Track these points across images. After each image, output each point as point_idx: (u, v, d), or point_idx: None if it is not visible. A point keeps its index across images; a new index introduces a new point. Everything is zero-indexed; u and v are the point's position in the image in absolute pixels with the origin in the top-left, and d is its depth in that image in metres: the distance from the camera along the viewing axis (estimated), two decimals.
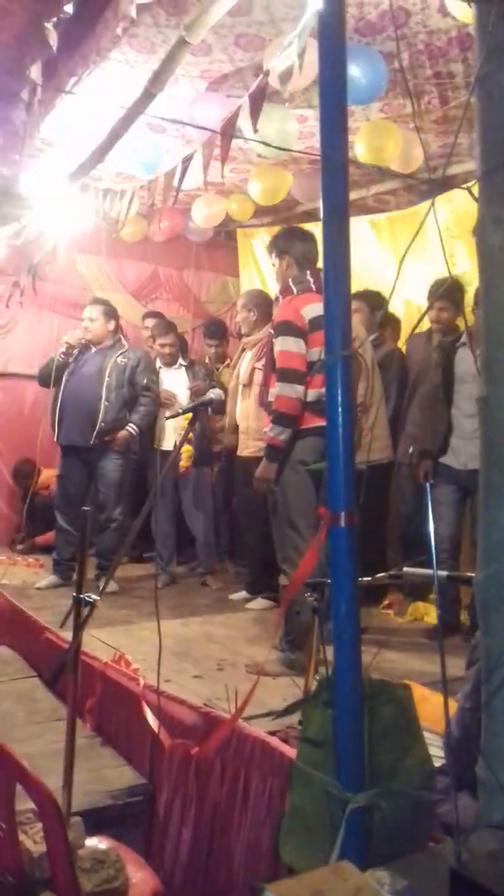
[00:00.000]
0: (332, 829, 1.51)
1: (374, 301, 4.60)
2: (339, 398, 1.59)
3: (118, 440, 5.14)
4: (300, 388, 3.56)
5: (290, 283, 3.75)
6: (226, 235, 6.93)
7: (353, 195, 5.50)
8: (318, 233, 6.02)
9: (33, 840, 2.20)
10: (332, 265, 1.59)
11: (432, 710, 2.05)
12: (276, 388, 3.63)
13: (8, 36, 3.64)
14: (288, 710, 1.72)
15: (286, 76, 2.72)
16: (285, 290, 3.79)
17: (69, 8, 2.95)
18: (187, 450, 5.12)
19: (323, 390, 3.61)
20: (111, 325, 5.27)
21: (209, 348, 6.00)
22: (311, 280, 3.70)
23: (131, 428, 5.17)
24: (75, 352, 5.17)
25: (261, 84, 2.79)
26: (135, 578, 5.31)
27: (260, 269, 6.78)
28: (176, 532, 5.48)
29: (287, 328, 3.61)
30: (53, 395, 5.24)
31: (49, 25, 3.15)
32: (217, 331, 6.15)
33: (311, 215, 6.04)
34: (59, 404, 5.14)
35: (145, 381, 5.19)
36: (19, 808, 2.13)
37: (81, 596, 2.36)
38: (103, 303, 5.39)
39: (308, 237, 3.90)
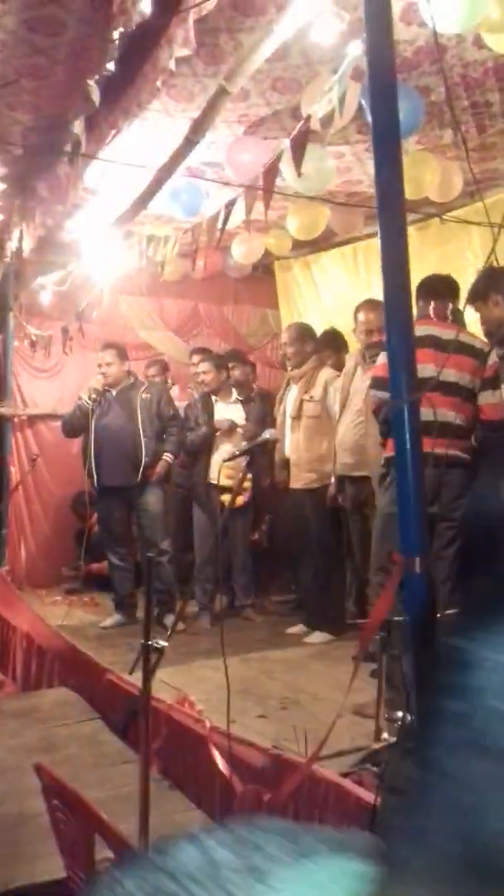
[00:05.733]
0: None
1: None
2: (409, 442, 1.59)
3: (157, 472, 5.24)
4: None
5: None
6: (263, 269, 6.98)
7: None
8: (345, 258, 6.10)
9: None
10: (393, 310, 1.60)
11: None
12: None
13: (50, 94, 3.77)
14: (373, 756, 1.70)
15: (327, 120, 2.76)
16: None
17: (111, 66, 3.02)
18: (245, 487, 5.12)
19: (426, 411, 3.61)
20: (126, 366, 5.40)
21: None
22: (432, 310, 3.78)
23: (168, 457, 5.28)
24: (99, 398, 5.29)
25: (302, 129, 2.84)
26: (186, 615, 5.30)
27: (297, 299, 6.84)
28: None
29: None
30: (85, 442, 5.33)
31: (91, 82, 3.24)
32: (232, 355, 6.15)
33: (346, 243, 6.09)
34: (93, 450, 5.22)
35: (171, 412, 5.34)
36: (97, 858, 2.14)
37: (150, 642, 2.38)
38: (114, 345, 5.49)
39: (434, 277, 3.98)
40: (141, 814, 2.38)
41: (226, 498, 5.05)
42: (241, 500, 5.12)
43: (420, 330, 3.54)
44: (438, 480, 3.29)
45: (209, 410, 5.37)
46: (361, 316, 4.40)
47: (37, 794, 2.77)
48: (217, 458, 5.24)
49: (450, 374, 3.60)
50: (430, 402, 3.49)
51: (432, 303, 3.76)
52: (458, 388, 3.61)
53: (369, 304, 4.45)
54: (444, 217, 4.22)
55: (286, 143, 3.19)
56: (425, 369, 3.47)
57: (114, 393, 5.30)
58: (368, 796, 2.26)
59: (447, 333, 3.66)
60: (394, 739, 2.60)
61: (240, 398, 5.48)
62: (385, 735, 2.72)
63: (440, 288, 3.88)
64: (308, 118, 2.83)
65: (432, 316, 3.71)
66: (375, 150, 1.62)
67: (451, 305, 3.83)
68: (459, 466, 3.57)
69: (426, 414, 3.46)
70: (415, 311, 3.90)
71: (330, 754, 2.63)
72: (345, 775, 2.52)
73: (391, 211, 1.60)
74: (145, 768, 2.39)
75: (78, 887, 2.19)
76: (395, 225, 1.61)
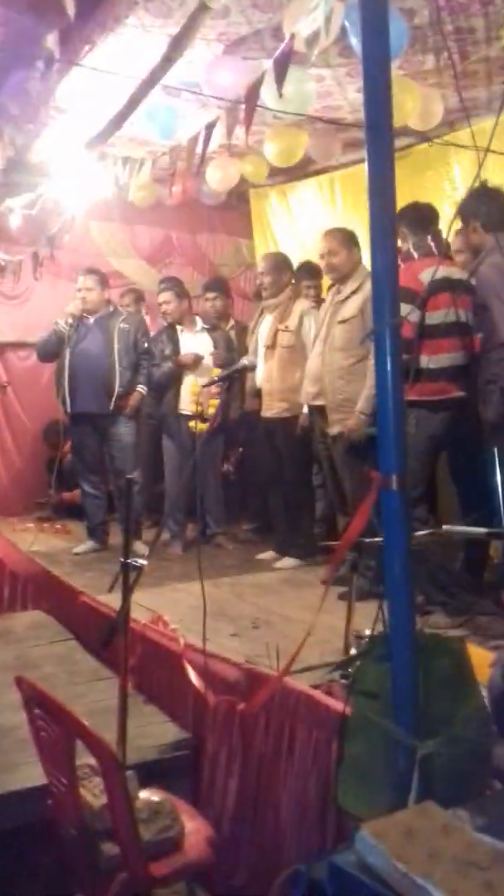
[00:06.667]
0: (390, 775, 1.60)
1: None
2: (389, 365, 1.63)
3: (130, 403, 5.25)
4: None
5: (411, 250, 3.75)
6: (238, 197, 6.87)
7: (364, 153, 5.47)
8: (322, 187, 6.01)
9: (92, 794, 2.31)
10: (378, 239, 1.63)
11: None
12: None
13: (22, 5, 3.63)
14: (345, 664, 1.80)
15: (313, 40, 2.71)
16: (406, 257, 3.78)
17: None
18: (212, 404, 5.15)
19: (455, 355, 3.55)
20: (106, 294, 5.37)
21: (206, 302, 5.97)
22: (433, 244, 3.71)
23: (141, 389, 5.30)
24: (76, 323, 5.25)
25: (286, 49, 2.79)
26: (153, 538, 5.37)
27: (273, 229, 6.77)
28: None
29: (402, 295, 3.59)
30: (59, 368, 5.31)
31: None
32: (214, 284, 6.12)
33: (323, 171, 6.02)
34: (67, 375, 5.20)
35: (146, 344, 5.33)
36: (76, 764, 2.23)
37: (129, 560, 2.44)
38: (96, 272, 5.43)
39: (420, 204, 3.91)
40: (119, 722, 2.48)
41: (200, 427, 5.07)
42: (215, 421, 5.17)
43: (432, 272, 3.50)
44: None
45: (174, 343, 5.34)
46: (321, 243, 4.38)
47: (14, 709, 2.86)
48: (186, 388, 5.26)
49: (462, 315, 3.60)
50: (458, 346, 3.55)
51: (429, 237, 3.71)
52: (469, 328, 3.60)
53: (325, 232, 4.43)
54: (433, 142, 4.17)
55: (266, 63, 3.13)
56: (450, 313, 3.53)
57: (91, 320, 5.25)
58: (338, 705, 2.38)
59: (457, 273, 3.64)
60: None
61: (206, 326, 5.46)
62: (353, 651, 2.84)
63: (433, 218, 3.84)
64: (292, 37, 2.77)
65: (436, 253, 3.67)
66: (365, 76, 1.61)
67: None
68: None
69: (457, 359, 3.55)
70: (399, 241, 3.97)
71: (300, 669, 2.75)
72: (315, 687, 2.64)
73: (379, 136, 1.60)
74: (124, 680, 2.48)
75: (58, 791, 2.29)
76: (383, 151, 1.61)
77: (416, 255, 3.72)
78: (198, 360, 5.25)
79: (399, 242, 3.73)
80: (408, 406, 3.51)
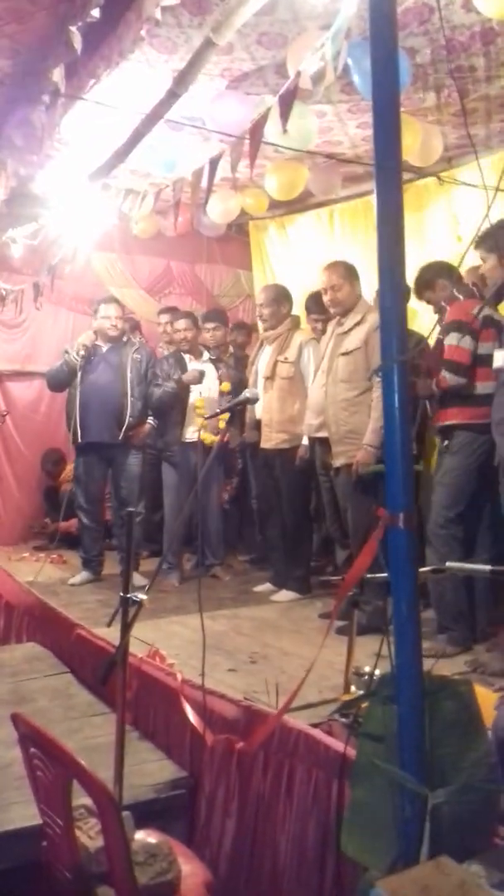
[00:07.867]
0: (395, 822, 1.56)
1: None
2: (396, 401, 1.62)
3: (141, 434, 5.25)
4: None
5: (455, 293, 3.91)
6: (237, 229, 6.92)
7: (363, 187, 5.53)
8: (321, 220, 6.07)
9: (88, 835, 2.25)
10: (387, 275, 1.62)
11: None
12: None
13: (29, 38, 3.66)
14: (349, 705, 1.76)
15: (318, 78, 2.74)
16: (451, 299, 3.93)
17: (95, 13, 2.94)
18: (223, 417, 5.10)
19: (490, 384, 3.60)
20: (125, 324, 5.40)
21: (206, 332, 5.97)
22: (474, 288, 3.89)
23: (152, 420, 5.29)
24: (88, 353, 5.24)
25: (291, 86, 2.81)
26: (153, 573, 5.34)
27: (271, 260, 6.81)
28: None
29: (457, 326, 3.74)
30: (70, 398, 5.30)
31: (73, 28, 3.16)
32: (213, 315, 6.12)
33: (322, 205, 6.07)
34: (78, 405, 5.18)
35: (157, 373, 5.33)
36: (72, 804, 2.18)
37: (129, 595, 2.41)
38: (116, 301, 5.47)
39: (448, 262, 4.13)
40: (116, 761, 2.43)
41: (206, 437, 5.01)
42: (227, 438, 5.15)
43: (484, 312, 3.69)
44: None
45: (182, 367, 5.31)
46: (323, 276, 4.41)
47: (7, 745, 2.81)
48: (190, 413, 5.22)
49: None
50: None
51: (471, 283, 3.90)
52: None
53: (327, 265, 4.47)
54: (443, 179, 4.25)
55: (269, 99, 3.16)
56: (494, 346, 3.61)
57: (104, 349, 5.25)
58: (338, 745, 2.34)
59: (496, 315, 3.77)
60: (361, 693, 2.69)
61: (212, 357, 5.46)
62: (353, 688, 2.80)
63: (456, 270, 4.03)
64: (298, 75, 2.80)
65: (477, 294, 3.83)
66: (375, 111, 1.62)
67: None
68: None
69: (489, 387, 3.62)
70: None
71: (299, 706, 2.70)
72: (315, 725, 2.59)
73: (389, 176, 1.61)
74: (122, 717, 2.43)
75: (53, 833, 2.23)
76: (392, 185, 1.62)
77: (460, 297, 3.88)
78: (201, 375, 5.20)
79: (439, 292, 4.07)
80: (456, 429, 3.73)
